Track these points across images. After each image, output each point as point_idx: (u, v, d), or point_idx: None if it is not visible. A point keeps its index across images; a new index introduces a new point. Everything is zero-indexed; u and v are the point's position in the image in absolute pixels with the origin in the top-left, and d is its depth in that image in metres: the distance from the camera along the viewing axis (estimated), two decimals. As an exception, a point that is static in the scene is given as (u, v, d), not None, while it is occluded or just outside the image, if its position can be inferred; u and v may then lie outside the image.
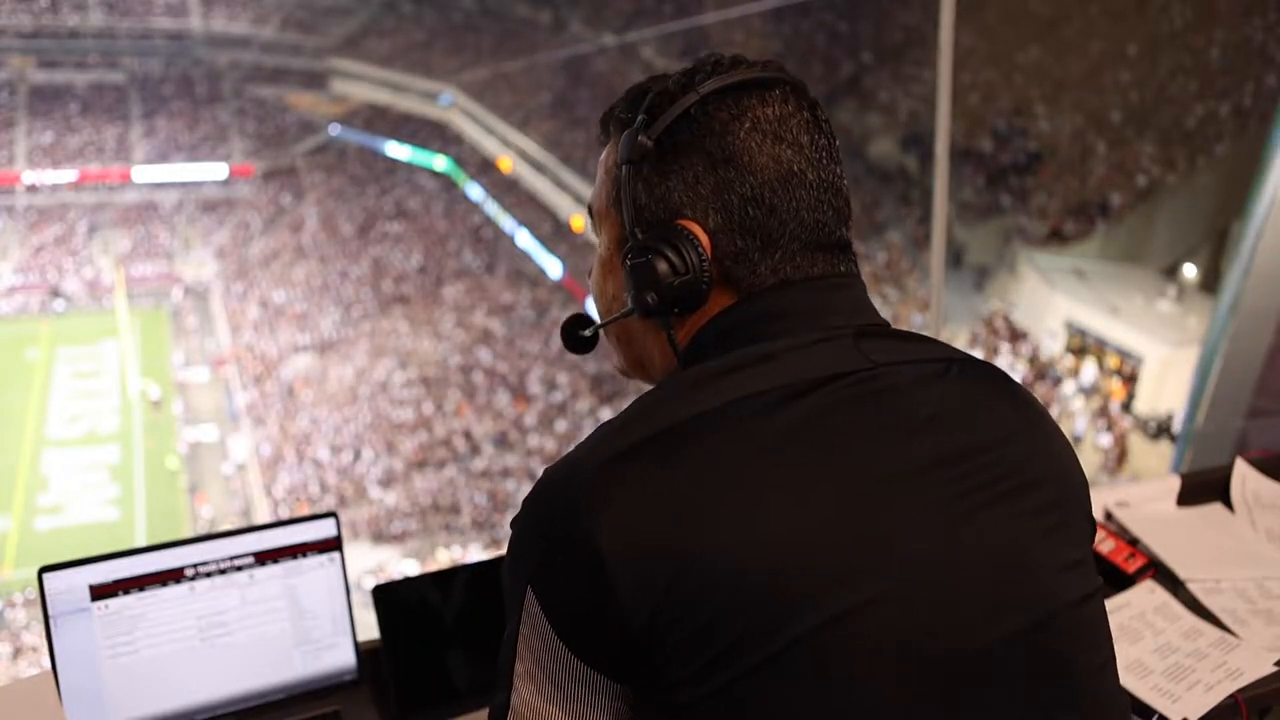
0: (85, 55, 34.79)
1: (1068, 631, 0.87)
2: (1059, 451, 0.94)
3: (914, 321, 16.96)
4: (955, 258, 18.05)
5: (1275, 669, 1.58)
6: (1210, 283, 14.60)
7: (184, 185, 31.84)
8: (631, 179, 0.94)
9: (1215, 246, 15.36)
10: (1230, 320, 3.07)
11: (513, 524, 0.89)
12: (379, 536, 18.55)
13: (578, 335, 1.08)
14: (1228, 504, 2.03)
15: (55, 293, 27.03)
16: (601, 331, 1.07)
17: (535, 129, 28.21)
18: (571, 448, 0.89)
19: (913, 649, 0.79)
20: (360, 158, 32.79)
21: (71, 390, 22.81)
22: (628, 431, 0.83)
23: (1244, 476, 2.09)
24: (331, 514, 1.56)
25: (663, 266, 0.90)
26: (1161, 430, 13.58)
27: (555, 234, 25.78)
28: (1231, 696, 1.53)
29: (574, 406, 20.87)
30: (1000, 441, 0.89)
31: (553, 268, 25.22)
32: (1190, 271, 15.46)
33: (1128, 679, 1.55)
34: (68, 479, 19.73)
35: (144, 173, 31.71)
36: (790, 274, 0.92)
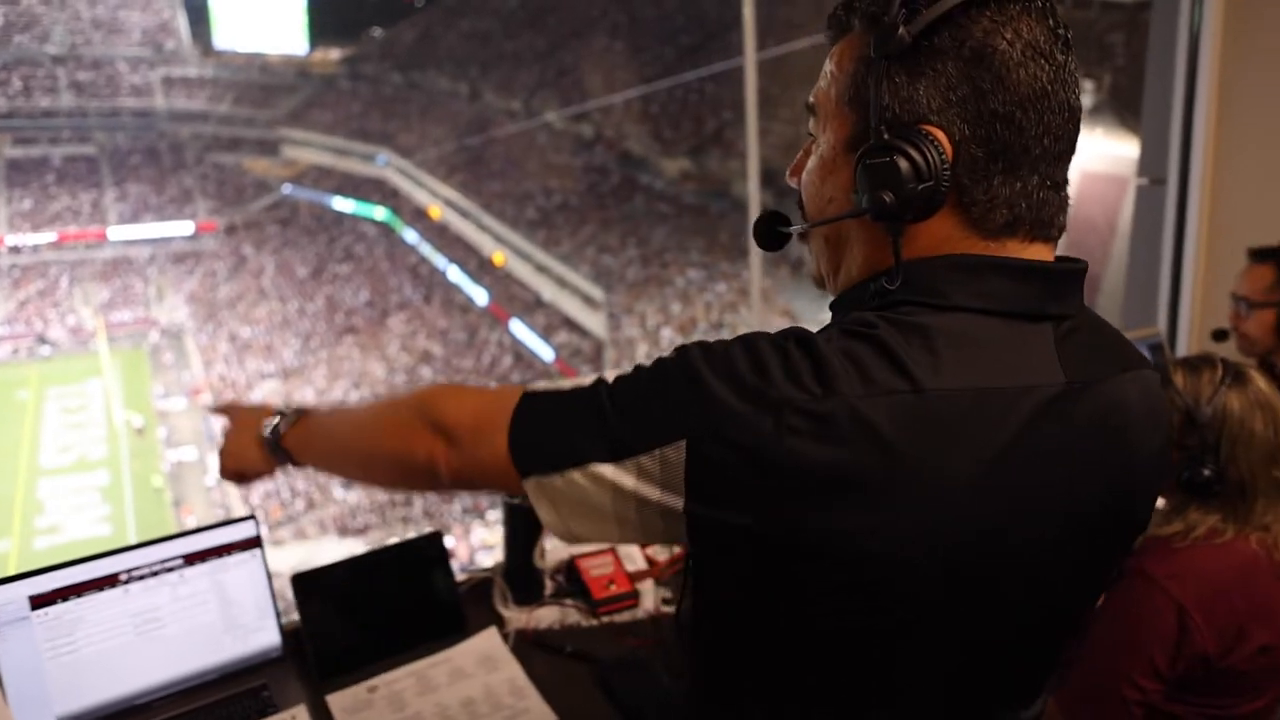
0: (59, 132, 33.07)
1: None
2: (1147, 496, 0.84)
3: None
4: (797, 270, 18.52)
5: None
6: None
7: (155, 241, 30.46)
8: (881, 75, 0.72)
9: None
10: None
11: (687, 358, 0.70)
12: (344, 530, 18.03)
13: (775, 231, 0.88)
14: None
15: (41, 339, 25.59)
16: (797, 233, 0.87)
17: (457, 181, 27.87)
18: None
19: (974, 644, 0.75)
20: (310, 212, 31.89)
21: (61, 424, 21.59)
22: (875, 370, 0.66)
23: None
24: (251, 516, 1.51)
25: (905, 166, 0.70)
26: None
27: (480, 268, 25.53)
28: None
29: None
30: (1123, 493, 0.79)
31: (479, 296, 24.94)
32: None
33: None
34: (62, 502, 18.66)
35: (118, 232, 30.26)
36: (1022, 213, 0.72)
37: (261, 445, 1.05)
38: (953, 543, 0.68)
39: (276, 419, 1.04)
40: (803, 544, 0.67)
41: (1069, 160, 0.75)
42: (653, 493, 0.70)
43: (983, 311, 0.71)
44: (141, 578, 1.40)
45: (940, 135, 0.71)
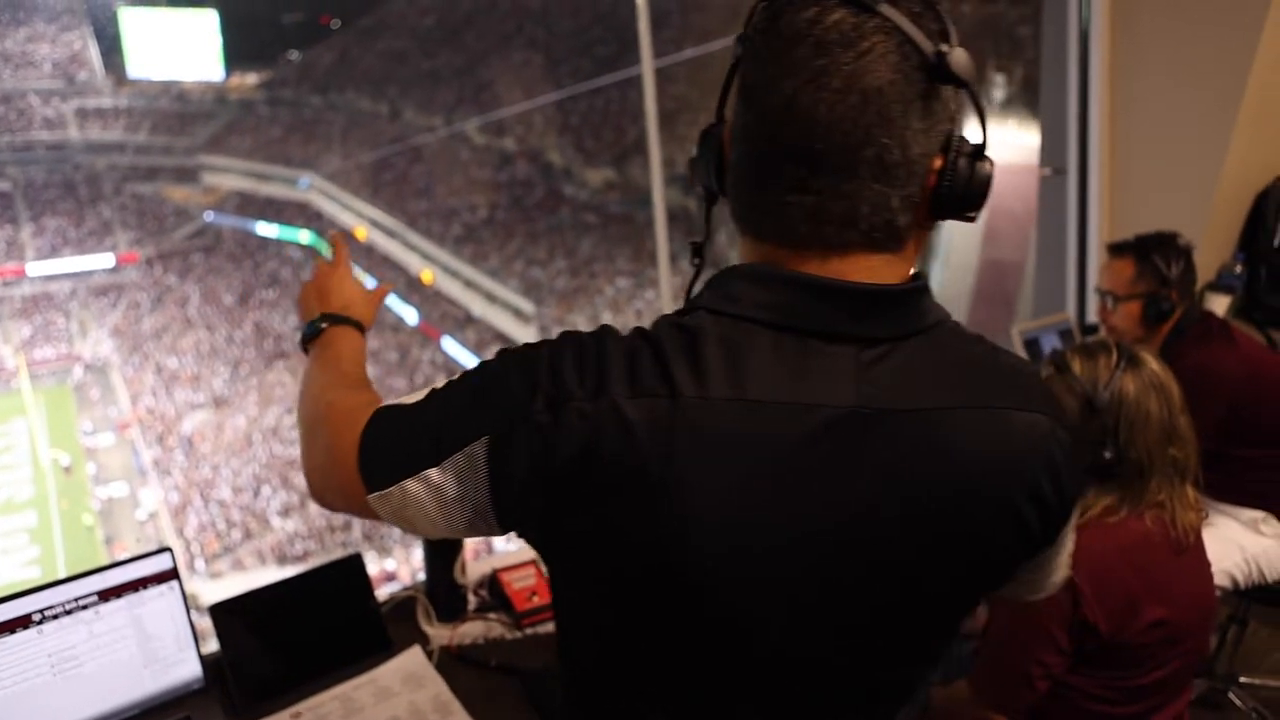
0: (-32, 169, 31.55)
1: None
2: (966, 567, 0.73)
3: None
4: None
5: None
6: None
7: (75, 275, 29.27)
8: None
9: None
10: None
11: (502, 361, 0.71)
12: (284, 559, 17.57)
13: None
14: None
15: (-41, 382, 24.35)
16: None
17: (382, 201, 27.46)
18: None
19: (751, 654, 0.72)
20: (234, 238, 31.02)
21: (-17, 467, 20.61)
22: (645, 373, 0.66)
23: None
24: (166, 549, 1.49)
25: (700, 145, 0.78)
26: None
27: (409, 287, 25.17)
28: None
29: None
30: (954, 536, 0.69)
31: (409, 315, 24.59)
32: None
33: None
34: (-14, 546, 17.81)
35: (37, 267, 28.98)
36: (764, 223, 0.71)
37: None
38: (713, 553, 0.65)
39: (319, 324, 1.09)
40: (576, 539, 0.68)
41: (838, 172, 0.66)
42: (468, 491, 0.70)
43: (769, 324, 0.67)
44: (55, 617, 1.37)
45: (726, 128, 0.75)
